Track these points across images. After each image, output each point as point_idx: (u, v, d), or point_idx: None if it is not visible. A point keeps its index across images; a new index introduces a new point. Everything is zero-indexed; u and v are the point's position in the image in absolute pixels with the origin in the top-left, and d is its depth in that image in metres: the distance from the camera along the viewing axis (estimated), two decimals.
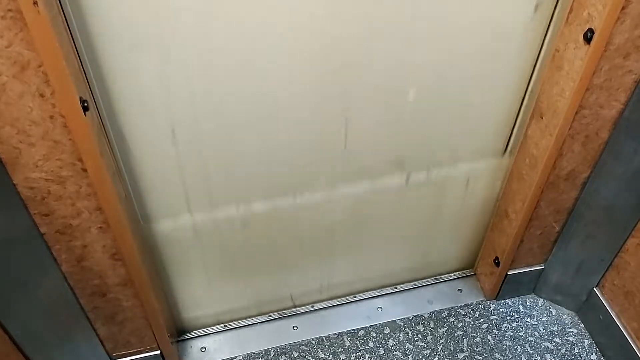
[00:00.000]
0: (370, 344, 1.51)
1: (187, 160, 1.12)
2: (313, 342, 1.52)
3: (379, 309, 1.60)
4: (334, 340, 1.52)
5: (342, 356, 1.49)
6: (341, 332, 1.54)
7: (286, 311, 1.58)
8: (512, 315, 1.59)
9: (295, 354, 1.49)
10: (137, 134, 1.04)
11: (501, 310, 1.60)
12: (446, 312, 1.59)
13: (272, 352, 1.50)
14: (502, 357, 1.49)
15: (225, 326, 1.54)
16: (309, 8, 0.94)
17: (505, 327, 1.56)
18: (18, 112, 0.83)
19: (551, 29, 1.11)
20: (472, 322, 1.57)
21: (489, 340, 1.53)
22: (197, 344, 1.52)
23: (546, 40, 1.13)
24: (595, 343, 1.51)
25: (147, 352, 1.37)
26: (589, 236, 1.38)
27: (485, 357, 1.49)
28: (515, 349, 1.50)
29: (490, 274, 1.58)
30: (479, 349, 1.50)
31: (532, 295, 1.64)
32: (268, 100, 1.06)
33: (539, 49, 1.14)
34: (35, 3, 0.71)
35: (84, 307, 1.19)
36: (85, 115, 0.86)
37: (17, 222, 0.95)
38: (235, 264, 1.40)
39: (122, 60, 0.92)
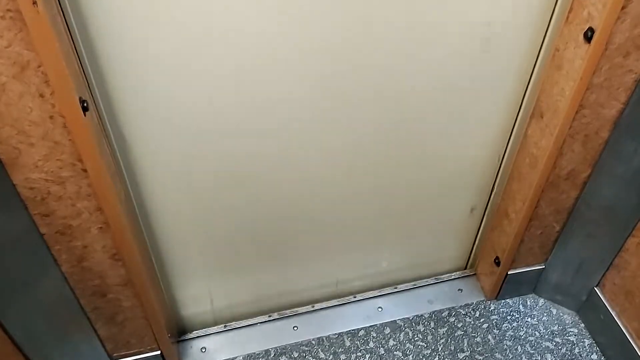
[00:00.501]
0: (371, 344, 1.51)
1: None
2: (313, 342, 1.52)
3: (379, 309, 1.60)
4: (334, 341, 1.52)
5: (343, 356, 1.48)
6: (341, 332, 1.54)
7: (286, 311, 1.57)
8: (513, 315, 1.58)
9: (296, 354, 1.49)
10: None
11: (501, 310, 1.60)
12: (446, 312, 1.59)
13: (272, 352, 1.50)
14: (502, 357, 1.48)
15: (225, 326, 1.54)
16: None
17: (506, 326, 1.56)
18: (18, 113, 0.83)
19: (551, 28, 1.11)
20: (472, 322, 1.57)
21: (489, 340, 1.53)
22: (197, 344, 1.52)
23: (546, 40, 1.13)
24: (595, 343, 1.51)
25: (148, 352, 1.37)
26: (589, 236, 1.38)
27: (486, 357, 1.48)
28: (516, 349, 1.50)
29: (490, 273, 1.58)
30: (479, 349, 1.50)
31: (533, 295, 1.64)
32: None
33: (538, 49, 1.14)
34: (34, 3, 0.71)
35: (84, 308, 1.19)
36: (85, 115, 0.86)
37: (17, 223, 0.95)
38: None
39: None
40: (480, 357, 1.48)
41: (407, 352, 1.49)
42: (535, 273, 1.56)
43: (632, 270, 1.34)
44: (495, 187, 1.44)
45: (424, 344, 1.51)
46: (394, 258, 1.57)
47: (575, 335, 1.54)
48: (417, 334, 1.54)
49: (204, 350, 1.50)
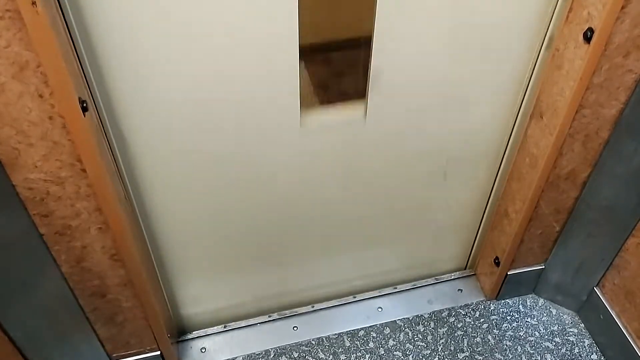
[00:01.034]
0: (371, 344, 1.51)
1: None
2: (313, 342, 1.52)
3: (379, 309, 1.60)
4: (334, 341, 1.52)
5: (342, 356, 1.48)
6: (341, 333, 1.54)
7: (286, 311, 1.57)
8: (513, 315, 1.58)
9: (296, 355, 1.49)
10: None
11: (501, 310, 1.60)
12: (446, 312, 1.59)
13: (272, 352, 1.49)
14: (502, 357, 1.48)
15: (225, 326, 1.54)
16: None
17: (506, 327, 1.56)
18: (17, 113, 0.82)
19: (551, 28, 1.11)
20: (472, 322, 1.57)
21: (489, 340, 1.52)
22: (197, 345, 1.52)
23: (546, 40, 1.12)
24: (595, 343, 1.51)
25: (147, 352, 1.37)
26: (589, 236, 1.38)
27: (486, 357, 1.48)
28: (516, 349, 1.50)
29: (490, 273, 1.58)
30: (479, 349, 1.50)
31: (533, 295, 1.64)
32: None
33: (538, 49, 1.14)
34: (33, 3, 0.71)
35: (84, 308, 1.19)
36: (84, 115, 0.86)
37: (16, 223, 0.95)
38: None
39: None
40: (480, 357, 1.48)
41: (407, 352, 1.49)
42: (535, 273, 1.56)
43: (632, 271, 1.33)
44: (495, 186, 1.44)
45: (423, 344, 1.51)
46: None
47: (575, 335, 1.54)
48: (417, 334, 1.54)
49: (203, 350, 1.50)
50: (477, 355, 1.49)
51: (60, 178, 0.93)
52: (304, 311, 1.58)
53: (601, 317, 1.47)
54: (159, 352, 1.37)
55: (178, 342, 1.51)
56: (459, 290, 1.65)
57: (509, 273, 1.53)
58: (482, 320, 1.57)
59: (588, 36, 1.01)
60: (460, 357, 1.48)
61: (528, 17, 1.08)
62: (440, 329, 1.55)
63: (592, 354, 1.49)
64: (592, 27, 1.00)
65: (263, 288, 1.50)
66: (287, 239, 1.38)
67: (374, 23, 1.00)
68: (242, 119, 1.08)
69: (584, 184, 1.30)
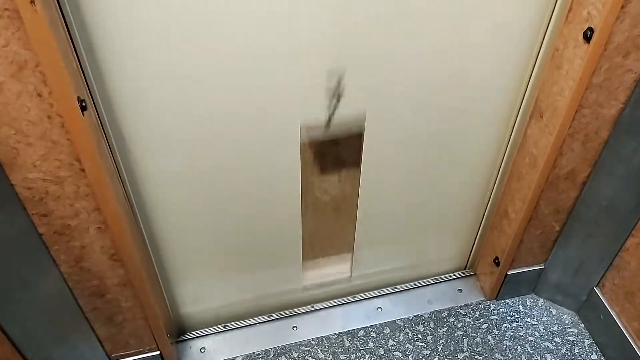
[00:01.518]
0: (370, 344, 1.51)
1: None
2: (313, 342, 1.52)
3: (379, 309, 1.60)
4: (334, 341, 1.52)
5: (342, 356, 1.48)
6: (341, 333, 1.54)
7: (286, 311, 1.57)
8: (512, 315, 1.58)
9: (295, 354, 1.49)
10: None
11: (501, 310, 1.60)
12: (446, 312, 1.59)
13: (271, 352, 1.49)
14: (502, 357, 1.48)
15: (224, 326, 1.54)
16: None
17: (506, 327, 1.55)
18: (16, 112, 0.82)
19: (550, 27, 1.11)
20: (472, 322, 1.56)
21: (489, 340, 1.52)
22: (196, 345, 1.51)
23: (545, 39, 1.12)
24: (595, 343, 1.51)
25: (147, 352, 1.37)
26: (589, 236, 1.38)
27: (486, 357, 1.48)
28: (516, 349, 1.50)
29: (490, 273, 1.58)
30: (479, 349, 1.50)
31: (532, 295, 1.63)
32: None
33: (538, 48, 1.14)
34: (32, 2, 0.71)
35: (83, 308, 1.19)
36: (83, 115, 0.86)
37: (15, 223, 0.94)
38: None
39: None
40: (480, 357, 1.48)
41: (407, 353, 1.49)
42: (535, 273, 1.56)
43: (632, 271, 1.33)
44: (495, 186, 1.44)
45: (423, 344, 1.51)
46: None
47: (575, 335, 1.54)
48: (416, 334, 1.53)
49: (203, 350, 1.50)
50: (477, 355, 1.48)
51: (59, 178, 0.93)
52: (303, 311, 1.58)
53: (601, 317, 1.47)
54: (158, 352, 1.37)
55: (177, 342, 1.51)
56: (458, 290, 1.65)
57: (508, 273, 1.53)
58: (482, 320, 1.57)
59: (588, 36, 1.01)
60: (460, 357, 1.48)
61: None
62: (440, 329, 1.55)
63: (592, 354, 1.49)
64: (592, 26, 0.99)
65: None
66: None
67: None
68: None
69: (583, 183, 1.30)
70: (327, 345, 1.51)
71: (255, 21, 0.94)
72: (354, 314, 1.58)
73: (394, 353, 1.49)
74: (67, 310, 1.14)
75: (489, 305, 1.61)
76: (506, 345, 1.51)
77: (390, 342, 1.52)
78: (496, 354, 1.49)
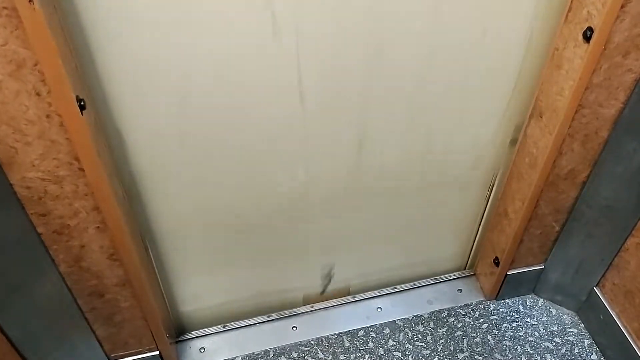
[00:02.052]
0: (370, 345, 1.51)
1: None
2: (312, 342, 1.51)
3: (379, 309, 1.59)
4: (334, 341, 1.52)
5: (342, 357, 1.48)
6: (341, 333, 1.53)
7: (285, 311, 1.57)
8: (512, 315, 1.58)
9: (295, 355, 1.49)
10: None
11: (501, 310, 1.60)
12: (446, 312, 1.59)
13: (271, 352, 1.49)
14: (502, 357, 1.48)
15: (224, 326, 1.54)
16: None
17: (505, 327, 1.55)
18: (14, 111, 0.82)
19: (550, 27, 1.10)
20: (472, 322, 1.56)
21: (489, 340, 1.52)
22: (196, 345, 1.51)
23: (545, 39, 1.12)
24: (595, 343, 1.51)
25: (146, 352, 1.37)
26: (589, 236, 1.38)
27: (485, 357, 1.48)
28: (515, 349, 1.50)
29: (490, 274, 1.58)
30: (479, 349, 1.50)
31: (532, 295, 1.63)
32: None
33: (538, 48, 1.14)
34: (30, 1, 0.71)
35: (82, 308, 1.19)
36: (82, 114, 0.85)
37: (14, 222, 0.94)
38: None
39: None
40: (480, 358, 1.48)
41: (407, 353, 1.49)
42: (534, 273, 1.56)
43: (632, 271, 1.33)
44: (495, 187, 1.44)
45: (423, 344, 1.51)
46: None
47: (574, 335, 1.53)
48: (416, 334, 1.53)
49: (202, 350, 1.50)
50: (477, 356, 1.48)
51: (58, 177, 0.93)
52: (303, 311, 1.58)
53: (601, 317, 1.46)
54: (157, 352, 1.37)
55: (177, 342, 1.51)
56: (458, 290, 1.65)
57: (508, 273, 1.53)
58: (481, 320, 1.57)
59: (588, 35, 1.01)
60: (460, 358, 1.48)
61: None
62: (439, 329, 1.55)
63: (592, 354, 1.49)
64: (592, 26, 0.99)
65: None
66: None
67: None
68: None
69: (583, 183, 1.30)
70: (327, 346, 1.51)
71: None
72: (354, 314, 1.58)
73: (394, 353, 1.49)
74: (66, 310, 1.14)
75: (488, 305, 1.61)
76: (506, 345, 1.51)
77: (390, 342, 1.52)
78: (496, 354, 1.49)
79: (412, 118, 1.19)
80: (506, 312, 1.59)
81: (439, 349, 1.50)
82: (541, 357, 1.48)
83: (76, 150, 0.89)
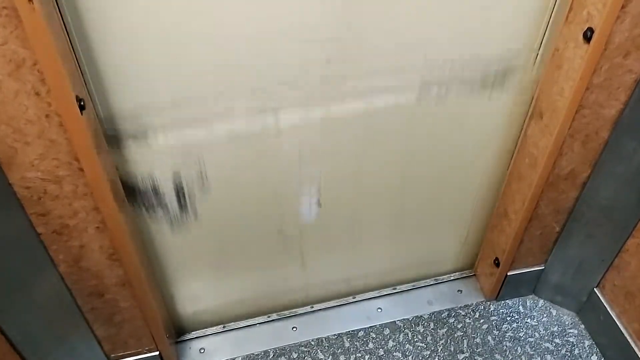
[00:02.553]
0: (370, 345, 1.51)
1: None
2: (312, 343, 1.51)
3: (379, 310, 1.59)
4: (334, 341, 1.52)
5: (342, 357, 1.48)
6: (341, 333, 1.53)
7: (285, 312, 1.57)
8: (512, 316, 1.58)
9: (295, 355, 1.48)
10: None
11: (501, 311, 1.59)
12: (446, 313, 1.58)
13: (271, 353, 1.49)
14: (502, 358, 1.48)
15: (224, 327, 1.54)
16: None
17: (506, 327, 1.55)
18: (13, 111, 0.82)
19: (550, 27, 1.10)
20: (472, 323, 1.56)
21: (489, 341, 1.52)
22: (196, 345, 1.51)
23: (545, 39, 1.12)
24: (595, 344, 1.51)
25: (146, 353, 1.37)
26: (589, 236, 1.37)
27: (486, 357, 1.48)
28: (516, 350, 1.50)
29: (490, 274, 1.58)
30: (479, 350, 1.49)
31: (532, 295, 1.63)
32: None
33: (538, 48, 1.14)
34: (30, 0, 0.71)
35: (82, 308, 1.19)
36: (81, 114, 0.85)
37: (13, 223, 0.94)
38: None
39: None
40: (480, 358, 1.48)
41: (407, 353, 1.49)
42: (534, 274, 1.56)
43: (632, 271, 1.33)
44: (495, 187, 1.44)
45: (423, 344, 1.51)
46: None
47: (575, 336, 1.53)
48: (416, 335, 1.53)
49: (202, 351, 1.50)
50: (477, 356, 1.48)
51: (58, 177, 0.93)
52: (303, 311, 1.58)
53: (601, 318, 1.46)
54: (157, 353, 1.37)
55: (177, 342, 1.51)
56: (458, 291, 1.65)
57: (508, 274, 1.53)
58: (482, 321, 1.57)
59: (588, 36, 1.01)
60: (460, 358, 1.48)
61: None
62: (440, 329, 1.55)
63: (592, 355, 1.49)
64: (592, 26, 0.99)
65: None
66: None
67: None
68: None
69: (583, 184, 1.30)
70: (327, 346, 1.50)
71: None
72: (354, 314, 1.58)
73: (394, 354, 1.49)
74: (66, 310, 1.14)
75: (489, 306, 1.61)
76: (506, 346, 1.51)
77: (390, 343, 1.51)
78: (496, 355, 1.49)
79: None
80: (506, 313, 1.59)
81: (439, 350, 1.50)
82: (541, 358, 1.48)
83: (75, 150, 0.89)
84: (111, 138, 1.02)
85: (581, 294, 1.52)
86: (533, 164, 1.25)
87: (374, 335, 1.53)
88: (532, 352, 1.49)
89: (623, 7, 0.96)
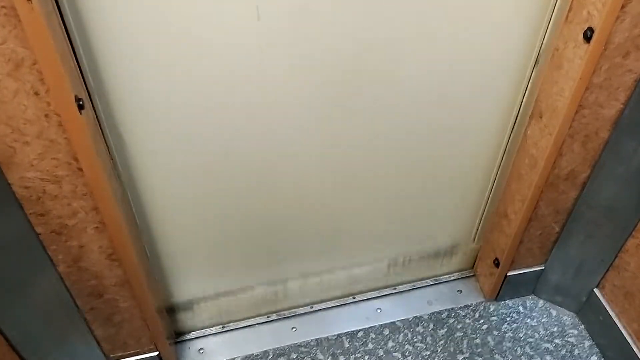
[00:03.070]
0: (370, 345, 1.51)
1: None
2: (312, 343, 1.51)
3: (378, 310, 1.59)
4: (333, 342, 1.51)
5: (341, 357, 1.48)
6: (340, 334, 1.53)
7: (285, 312, 1.57)
8: (512, 317, 1.58)
9: (294, 356, 1.48)
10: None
11: (501, 311, 1.59)
12: (446, 313, 1.58)
13: (270, 353, 1.49)
14: (502, 358, 1.48)
15: (223, 327, 1.54)
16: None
17: (505, 328, 1.55)
18: (12, 111, 0.82)
19: (550, 27, 1.10)
20: (471, 323, 1.56)
21: (489, 341, 1.52)
22: (195, 345, 1.51)
23: (545, 39, 1.12)
24: (595, 344, 1.51)
25: (145, 353, 1.36)
26: (589, 236, 1.37)
27: (485, 358, 1.48)
28: (515, 350, 1.50)
29: (490, 274, 1.58)
30: (478, 350, 1.49)
31: (532, 296, 1.63)
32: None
33: (538, 48, 1.14)
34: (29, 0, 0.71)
35: (81, 308, 1.19)
36: (80, 113, 0.85)
37: (12, 223, 0.94)
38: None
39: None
40: (480, 359, 1.48)
41: (406, 354, 1.49)
42: (534, 274, 1.56)
43: (632, 272, 1.33)
44: (495, 187, 1.44)
45: (423, 345, 1.51)
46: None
47: (575, 336, 1.53)
48: (416, 335, 1.53)
49: (202, 351, 1.50)
50: (477, 357, 1.48)
51: (57, 177, 0.93)
52: (302, 312, 1.58)
53: (601, 318, 1.46)
54: (157, 353, 1.37)
55: (176, 342, 1.51)
56: (458, 291, 1.65)
57: (508, 274, 1.53)
58: (481, 321, 1.57)
59: (588, 36, 1.01)
60: (460, 359, 1.48)
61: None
62: (439, 330, 1.54)
63: (592, 355, 1.49)
64: (592, 26, 0.99)
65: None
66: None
67: None
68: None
69: (583, 184, 1.30)
70: (327, 346, 1.50)
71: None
72: (353, 315, 1.58)
73: (394, 354, 1.49)
74: (65, 310, 1.14)
75: (488, 306, 1.61)
76: (506, 346, 1.51)
77: (390, 343, 1.51)
78: (496, 355, 1.48)
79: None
80: (506, 313, 1.59)
81: (439, 350, 1.50)
82: (541, 358, 1.48)
83: (75, 150, 0.89)
84: None
85: (581, 294, 1.52)
86: (533, 164, 1.25)
87: (374, 336, 1.53)
88: (532, 353, 1.49)
89: (623, 7, 0.96)
